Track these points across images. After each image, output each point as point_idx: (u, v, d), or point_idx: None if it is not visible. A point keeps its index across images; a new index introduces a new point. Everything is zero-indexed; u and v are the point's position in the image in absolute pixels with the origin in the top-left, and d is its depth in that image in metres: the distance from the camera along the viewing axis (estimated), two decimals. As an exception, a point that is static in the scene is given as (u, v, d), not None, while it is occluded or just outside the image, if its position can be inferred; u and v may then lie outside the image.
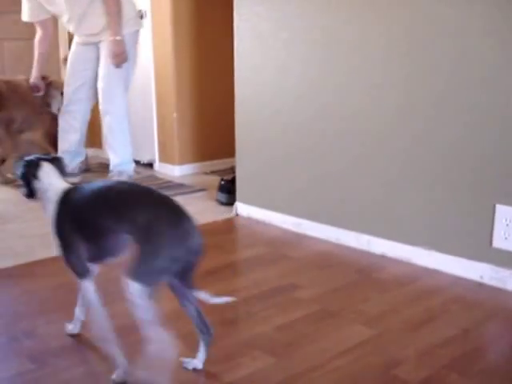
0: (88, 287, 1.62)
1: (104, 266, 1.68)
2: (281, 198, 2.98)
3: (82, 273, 1.61)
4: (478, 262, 2.24)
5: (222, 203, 3.41)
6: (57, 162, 1.72)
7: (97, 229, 1.53)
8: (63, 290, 2.15)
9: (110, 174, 3.73)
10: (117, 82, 3.65)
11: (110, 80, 3.63)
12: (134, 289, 1.42)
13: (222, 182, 3.46)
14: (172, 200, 1.52)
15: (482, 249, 2.23)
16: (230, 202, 3.34)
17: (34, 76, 3.95)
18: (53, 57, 4.58)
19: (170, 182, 4.05)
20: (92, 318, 1.65)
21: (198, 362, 1.65)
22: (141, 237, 1.41)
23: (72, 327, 1.83)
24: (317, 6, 2.64)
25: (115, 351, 1.60)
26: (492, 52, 2.10)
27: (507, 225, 2.14)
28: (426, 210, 2.38)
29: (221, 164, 4.47)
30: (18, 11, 3.80)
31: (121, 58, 3.55)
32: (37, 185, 1.65)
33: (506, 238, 2.16)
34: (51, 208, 1.60)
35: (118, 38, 3.50)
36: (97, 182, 1.59)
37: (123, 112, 3.71)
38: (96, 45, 3.67)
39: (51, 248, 1.72)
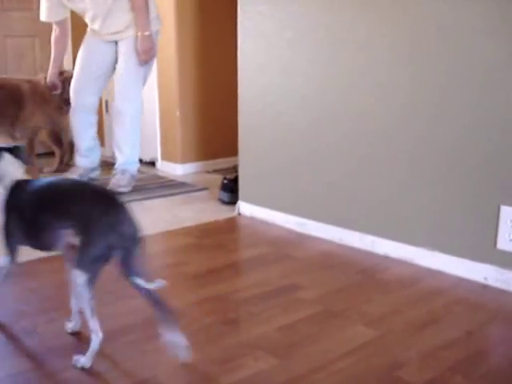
0: (3, 262, 1.74)
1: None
2: (284, 198, 2.97)
3: (9, 253, 1.73)
4: (482, 264, 2.23)
5: (225, 202, 3.40)
6: (17, 152, 1.81)
7: (37, 223, 1.65)
8: (64, 289, 2.13)
9: (113, 172, 3.70)
10: (136, 82, 3.59)
11: (129, 79, 3.57)
12: (76, 277, 1.54)
13: (225, 181, 3.45)
14: (108, 191, 1.67)
15: (487, 250, 2.22)
16: (233, 201, 3.32)
17: (50, 74, 3.89)
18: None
19: (172, 180, 4.04)
20: None
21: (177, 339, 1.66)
22: (79, 228, 1.53)
23: (72, 325, 1.83)
24: (321, 4, 2.63)
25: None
26: (495, 52, 2.08)
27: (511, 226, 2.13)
28: (430, 210, 2.37)
29: (223, 163, 4.46)
30: (23, 8, 3.80)
31: (149, 53, 3.48)
32: None
33: (510, 240, 2.14)
34: (2, 193, 1.72)
35: (146, 33, 3.43)
36: (45, 179, 1.71)
37: (139, 112, 3.65)
38: (115, 42, 3.59)
39: (53, 246, 1.72)
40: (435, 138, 2.31)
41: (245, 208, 3.19)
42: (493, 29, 2.09)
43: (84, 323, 1.70)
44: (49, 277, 2.29)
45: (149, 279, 1.61)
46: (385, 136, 2.48)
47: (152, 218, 3.12)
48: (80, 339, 1.78)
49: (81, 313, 1.70)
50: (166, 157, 4.44)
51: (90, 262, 1.54)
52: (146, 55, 3.47)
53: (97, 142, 3.89)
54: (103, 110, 4.77)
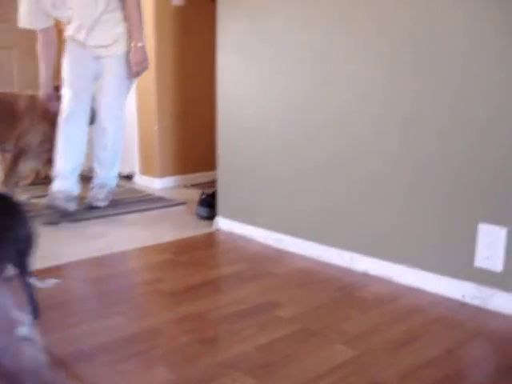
0: None
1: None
2: (262, 213, 2.96)
3: None
4: (461, 281, 2.23)
5: (203, 217, 3.38)
6: None
7: None
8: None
9: (91, 186, 3.65)
10: (122, 100, 3.52)
11: (116, 97, 3.48)
12: None
13: (203, 196, 3.42)
14: (6, 196, 1.73)
15: (465, 268, 2.22)
16: (211, 216, 3.30)
17: (43, 86, 3.63)
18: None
19: (150, 195, 4.01)
20: None
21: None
22: None
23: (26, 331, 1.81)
24: (301, 20, 2.63)
25: None
26: (479, 67, 2.10)
27: (489, 244, 2.13)
28: (409, 227, 2.37)
29: (202, 177, 4.44)
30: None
31: (143, 65, 3.40)
32: None
33: (488, 258, 2.15)
34: None
35: (140, 44, 3.35)
36: None
37: (122, 129, 3.59)
38: (99, 59, 3.44)
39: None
40: (414, 156, 2.31)
41: (223, 223, 3.17)
42: (476, 46, 2.10)
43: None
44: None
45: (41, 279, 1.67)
46: (363, 153, 2.48)
47: (129, 233, 3.09)
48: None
49: None
50: (144, 171, 4.41)
51: None
52: (138, 67, 3.40)
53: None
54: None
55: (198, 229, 3.19)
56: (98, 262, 2.63)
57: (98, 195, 3.56)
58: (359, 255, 2.54)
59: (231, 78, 3.02)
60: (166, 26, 4.14)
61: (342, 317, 2.08)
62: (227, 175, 3.13)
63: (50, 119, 3.64)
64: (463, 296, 2.22)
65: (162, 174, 4.32)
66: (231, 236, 3.07)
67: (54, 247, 2.78)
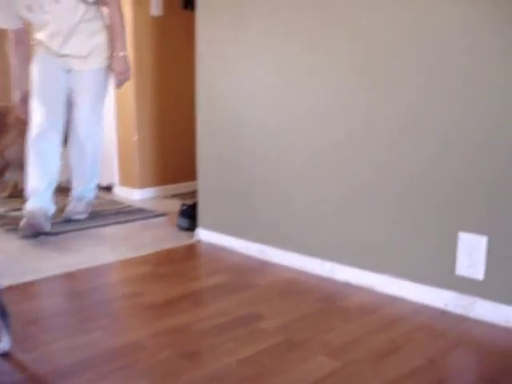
0: None
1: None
2: (244, 224, 2.94)
3: None
4: (442, 290, 2.23)
5: (183, 229, 3.35)
6: None
7: None
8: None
9: (69, 199, 3.60)
10: (99, 115, 3.43)
11: (93, 113, 3.38)
12: None
13: (183, 207, 3.40)
14: None
15: (446, 276, 2.22)
16: (192, 227, 3.28)
17: (19, 88, 3.41)
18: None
19: (129, 206, 3.98)
20: None
21: (3, 344, 1.77)
22: None
23: (2, 345, 1.80)
24: (281, 31, 2.63)
25: None
26: (458, 78, 2.11)
27: (470, 252, 2.14)
28: (390, 236, 2.37)
29: (182, 188, 4.42)
30: None
31: (126, 75, 3.33)
32: None
33: (469, 266, 2.15)
34: None
35: (122, 54, 3.29)
36: None
37: (100, 143, 3.51)
38: (71, 73, 3.31)
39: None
40: (394, 165, 2.31)
41: (204, 234, 3.15)
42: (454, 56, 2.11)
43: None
44: None
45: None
46: (343, 162, 2.48)
47: (109, 245, 3.06)
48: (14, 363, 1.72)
49: None
50: (124, 182, 4.38)
51: None
52: (121, 77, 3.33)
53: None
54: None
55: (178, 240, 3.16)
56: (77, 276, 2.60)
57: (77, 208, 3.52)
58: (341, 265, 2.54)
59: (211, 88, 3.01)
60: (145, 35, 4.12)
61: (325, 328, 2.07)
62: (208, 186, 3.12)
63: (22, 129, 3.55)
64: (445, 304, 2.23)
65: (142, 185, 4.30)
66: (212, 247, 3.05)
67: (31, 262, 2.74)
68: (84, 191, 3.57)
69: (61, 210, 3.52)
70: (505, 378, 1.74)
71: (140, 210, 3.84)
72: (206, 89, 3.03)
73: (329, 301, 2.32)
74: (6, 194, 4.12)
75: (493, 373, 1.77)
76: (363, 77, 2.37)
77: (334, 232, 2.56)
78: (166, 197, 4.32)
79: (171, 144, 4.39)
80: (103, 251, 2.94)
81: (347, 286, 2.48)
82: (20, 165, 3.65)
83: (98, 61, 3.32)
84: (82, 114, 3.39)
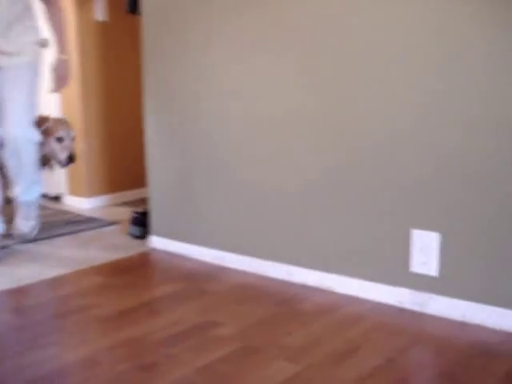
0: None
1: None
2: (197, 230, 2.91)
3: None
4: (398, 288, 2.24)
5: (136, 237, 3.30)
6: None
7: None
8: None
9: (16, 214, 3.39)
10: (31, 114, 3.16)
11: (24, 109, 3.12)
12: None
13: (135, 215, 3.35)
14: None
15: (401, 274, 2.23)
16: (144, 235, 3.23)
17: None
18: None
19: (79, 215, 3.89)
20: None
21: None
22: None
23: None
24: (226, 34, 2.61)
25: None
26: (416, 80, 2.12)
27: (424, 249, 2.16)
28: (344, 237, 2.37)
29: (132, 195, 4.36)
30: None
31: (66, 80, 3.14)
32: None
33: (422, 263, 2.17)
34: None
35: (63, 57, 3.11)
36: None
37: (34, 145, 3.20)
38: (1, 70, 3.07)
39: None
40: (346, 165, 2.32)
41: (157, 242, 3.10)
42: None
43: None
44: None
45: None
46: (296, 165, 2.47)
47: (59, 257, 2.98)
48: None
49: None
50: (73, 191, 4.28)
51: None
52: (63, 81, 3.15)
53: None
54: None
55: (131, 249, 3.11)
56: (27, 290, 2.52)
57: (23, 227, 3.36)
58: (297, 267, 2.53)
59: (158, 93, 2.96)
60: (90, 41, 4.05)
61: (283, 331, 2.05)
62: (159, 192, 3.07)
63: None
64: (401, 302, 2.24)
65: (91, 194, 4.21)
66: (166, 255, 3.01)
67: (-21, 277, 2.65)
68: (27, 195, 3.29)
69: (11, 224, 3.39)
70: (463, 372, 1.75)
71: (90, 220, 3.77)
72: (153, 94, 2.99)
73: (286, 304, 2.31)
74: None
75: (451, 368, 1.78)
76: (315, 78, 2.37)
77: (288, 235, 2.55)
78: (116, 205, 4.24)
79: (119, 151, 4.32)
80: (54, 263, 2.87)
81: (304, 289, 2.47)
82: None
83: (26, 59, 3.08)
84: (13, 113, 3.12)
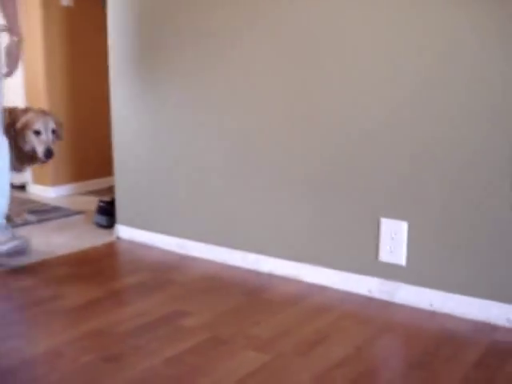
0: None
1: None
2: (163, 219, 2.87)
3: None
4: (366, 276, 2.24)
5: (102, 226, 3.25)
6: None
7: None
8: None
9: None
10: None
11: None
12: None
13: (101, 204, 3.29)
14: None
15: (369, 263, 2.23)
16: (110, 224, 3.18)
17: None
18: None
19: (45, 205, 3.82)
20: None
21: None
22: None
23: None
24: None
25: None
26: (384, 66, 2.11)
27: (392, 238, 2.15)
28: (312, 225, 2.36)
29: (98, 184, 4.30)
30: None
31: (17, 63, 2.83)
32: None
33: (391, 252, 2.17)
34: None
35: (15, 38, 2.82)
36: None
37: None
38: None
39: None
40: (313, 154, 2.30)
41: (123, 231, 3.05)
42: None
43: None
44: None
45: None
46: (260, 152, 2.45)
47: (23, 247, 2.91)
48: None
49: None
50: (37, 180, 4.20)
51: None
52: (15, 63, 2.82)
53: None
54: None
55: (97, 238, 3.06)
56: (-10, 280, 2.46)
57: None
58: (264, 256, 2.51)
59: (125, 81, 2.91)
60: (55, 26, 3.96)
61: (250, 321, 2.04)
62: (125, 181, 3.02)
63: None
64: (369, 291, 2.24)
65: (56, 183, 4.14)
66: (133, 244, 2.97)
67: None
68: None
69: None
70: (431, 361, 1.75)
71: (55, 209, 3.70)
72: (120, 82, 2.93)
73: (253, 294, 2.29)
74: None
75: (420, 356, 1.78)
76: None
77: (256, 223, 2.53)
78: (81, 194, 4.18)
79: (85, 139, 4.24)
80: (17, 253, 2.80)
81: (272, 278, 2.46)
82: None
83: None
84: None
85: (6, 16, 2.94)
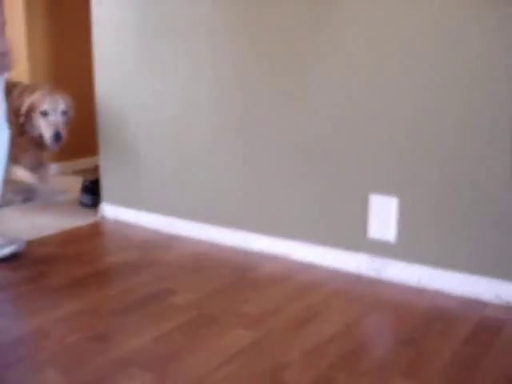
0: None
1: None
2: (150, 197, 2.84)
3: None
4: (355, 253, 2.23)
5: (87, 205, 3.21)
6: None
7: None
8: None
9: None
10: None
11: None
12: None
13: (86, 183, 3.25)
14: None
15: (358, 240, 2.22)
16: (95, 204, 3.14)
17: None
18: None
19: (29, 185, 3.76)
20: None
21: None
22: None
23: None
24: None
25: None
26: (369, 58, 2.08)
27: (381, 215, 2.14)
28: (301, 202, 2.34)
29: (83, 163, 4.25)
30: None
31: (7, 58, 2.42)
32: None
33: (380, 228, 2.16)
34: None
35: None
36: None
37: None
38: None
39: None
40: (303, 131, 2.28)
41: (109, 210, 3.02)
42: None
43: None
44: None
45: None
46: (248, 131, 2.42)
47: (8, 227, 2.87)
48: None
49: None
50: (20, 160, 4.14)
51: None
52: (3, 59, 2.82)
53: None
54: None
55: (82, 218, 3.02)
56: (-26, 260, 2.42)
57: None
58: (253, 234, 2.49)
59: (109, 57, 2.85)
60: (37, 8, 3.89)
61: (240, 299, 2.02)
62: (110, 159, 2.98)
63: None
64: (359, 268, 2.23)
65: (41, 163, 4.08)
66: (118, 223, 2.93)
67: None
68: None
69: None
70: (421, 337, 1.75)
71: (40, 189, 3.65)
72: (103, 59, 2.88)
73: (243, 272, 2.27)
74: None
75: (409, 333, 1.78)
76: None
77: (244, 201, 2.50)
78: (65, 173, 4.12)
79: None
80: (2, 233, 2.76)
81: (261, 256, 2.44)
82: None
83: None
84: None
85: None
